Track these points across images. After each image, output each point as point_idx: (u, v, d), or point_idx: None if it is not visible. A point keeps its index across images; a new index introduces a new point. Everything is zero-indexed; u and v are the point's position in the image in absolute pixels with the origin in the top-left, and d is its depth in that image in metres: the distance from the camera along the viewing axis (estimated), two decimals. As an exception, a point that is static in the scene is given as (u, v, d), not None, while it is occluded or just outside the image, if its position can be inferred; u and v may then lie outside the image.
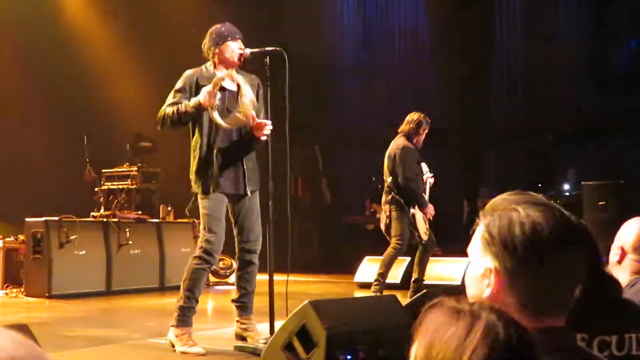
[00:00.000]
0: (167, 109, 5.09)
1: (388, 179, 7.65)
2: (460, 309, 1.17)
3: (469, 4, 13.37)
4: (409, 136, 7.69)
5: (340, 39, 15.67)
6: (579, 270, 1.41)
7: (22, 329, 3.43)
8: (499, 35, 14.42)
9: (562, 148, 13.51)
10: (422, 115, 7.78)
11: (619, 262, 2.79)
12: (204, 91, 4.96)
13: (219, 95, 5.00)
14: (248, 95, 5.00)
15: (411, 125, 7.69)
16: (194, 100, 5.00)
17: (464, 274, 8.81)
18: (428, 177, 7.80)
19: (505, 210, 1.40)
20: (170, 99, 5.16)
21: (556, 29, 13.99)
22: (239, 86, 5.06)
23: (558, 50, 13.81)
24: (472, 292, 1.45)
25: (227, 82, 5.12)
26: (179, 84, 5.19)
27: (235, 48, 5.16)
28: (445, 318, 1.17)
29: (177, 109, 5.04)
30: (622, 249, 2.80)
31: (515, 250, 1.37)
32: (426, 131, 7.78)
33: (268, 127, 5.06)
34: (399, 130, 7.78)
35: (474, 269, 1.45)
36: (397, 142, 7.69)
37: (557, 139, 13.20)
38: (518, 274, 1.37)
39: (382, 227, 7.68)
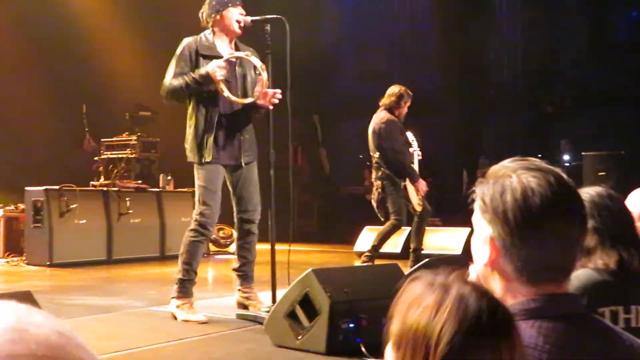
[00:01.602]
0: (172, 81, 5.02)
1: (375, 155, 7.59)
2: (434, 282, 1.15)
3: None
4: (390, 109, 7.60)
5: (339, 7, 15.57)
6: (575, 236, 1.40)
7: (26, 295, 3.44)
8: (499, 5, 14.34)
9: (562, 118, 13.49)
10: (403, 88, 7.67)
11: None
12: (214, 64, 4.89)
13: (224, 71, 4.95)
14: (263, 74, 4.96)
15: (392, 99, 7.60)
16: (202, 72, 4.94)
17: (464, 244, 8.89)
18: (415, 151, 7.74)
19: (501, 177, 1.40)
20: (172, 69, 5.08)
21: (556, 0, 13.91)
22: (240, 60, 5.05)
23: (558, 20, 13.75)
24: (476, 259, 1.46)
25: (222, 49, 5.09)
26: (179, 53, 5.11)
27: (236, 14, 5.10)
28: (419, 292, 1.14)
29: (185, 82, 4.97)
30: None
31: (506, 217, 1.36)
32: (408, 104, 7.66)
33: (277, 96, 5.03)
34: (380, 104, 7.70)
35: (476, 236, 1.45)
36: (380, 116, 7.58)
37: (556, 110, 13.18)
38: (512, 241, 1.36)
39: (374, 203, 7.65)
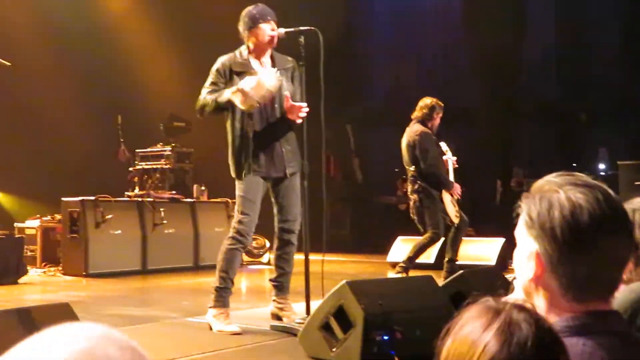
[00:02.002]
0: (206, 97, 5.11)
1: (410, 168, 7.60)
2: (489, 306, 1.17)
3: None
4: (422, 122, 7.63)
5: (371, 17, 15.58)
6: (623, 253, 1.39)
7: (64, 308, 3.49)
8: (532, 13, 14.24)
9: (596, 127, 13.35)
10: (434, 100, 7.70)
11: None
12: (242, 83, 4.91)
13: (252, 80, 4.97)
14: (263, 77, 4.93)
15: (424, 111, 7.63)
16: (232, 90, 4.96)
17: (498, 254, 8.83)
18: (449, 159, 7.75)
19: (547, 193, 1.39)
20: (207, 86, 5.17)
21: (589, 7, 13.78)
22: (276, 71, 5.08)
23: (591, 28, 13.63)
24: (519, 274, 1.45)
25: (256, 66, 5.13)
26: (214, 70, 5.20)
27: (267, 30, 5.14)
28: (474, 314, 1.17)
29: (216, 98, 5.04)
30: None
31: (554, 234, 1.36)
32: (440, 115, 7.69)
33: (304, 110, 5.05)
34: (412, 117, 7.72)
35: (520, 252, 1.44)
36: (413, 129, 7.62)
37: (591, 118, 13.05)
38: (559, 258, 1.36)
39: (413, 216, 7.66)
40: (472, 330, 1.14)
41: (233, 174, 5.22)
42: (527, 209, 1.41)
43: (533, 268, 1.40)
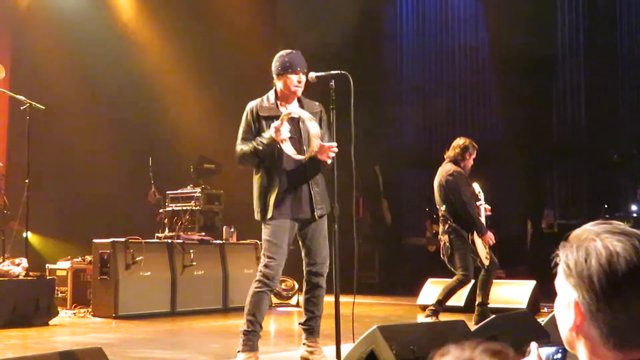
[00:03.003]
0: (243, 147, 5.18)
1: (442, 208, 7.56)
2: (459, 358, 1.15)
3: (530, 22, 13.23)
4: (455, 162, 7.60)
5: (400, 57, 15.66)
6: None
7: (97, 352, 3.49)
8: (562, 53, 14.23)
9: (628, 168, 13.23)
10: (468, 140, 7.68)
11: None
12: (273, 127, 5.00)
13: (287, 126, 5.04)
14: (313, 131, 5.01)
15: (457, 151, 7.61)
16: (265, 136, 5.06)
17: (529, 297, 8.71)
18: (483, 205, 7.71)
19: (585, 241, 1.40)
20: (240, 136, 5.25)
21: (619, 46, 13.76)
22: (301, 118, 5.13)
23: (621, 67, 13.59)
24: (560, 323, 1.46)
25: (285, 109, 5.19)
26: (243, 118, 5.28)
27: (294, 81, 5.20)
28: None
29: (253, 148, 5.11)
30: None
31: (592, 282, 1.36)
32: (473, 156, 7.66)
33: (333, 150, 5.07)
34: (445, 156, 7.70)
35: (560, 301, 1.45)
36: (446, 168, 7.58)
37: (623, 159, 12.93)
38: (597, 306, 1.36)
39: (443, 257, 7.60)
40: None
41: (258, 217, 5.24)
42: (565, 257, 1.42)
43: (573, 317, 1.40)
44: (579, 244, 1.40)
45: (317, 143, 5.01)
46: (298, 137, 5.16)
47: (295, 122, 5.17)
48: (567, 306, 1.41)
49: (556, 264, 1.45)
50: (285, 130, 5.02)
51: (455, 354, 1.16)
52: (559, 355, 1.65)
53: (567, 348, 1.46)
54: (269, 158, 5.13)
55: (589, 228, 1.43)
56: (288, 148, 5.03)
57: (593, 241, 1.38)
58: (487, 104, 14.73)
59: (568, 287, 1.41)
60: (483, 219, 7.64)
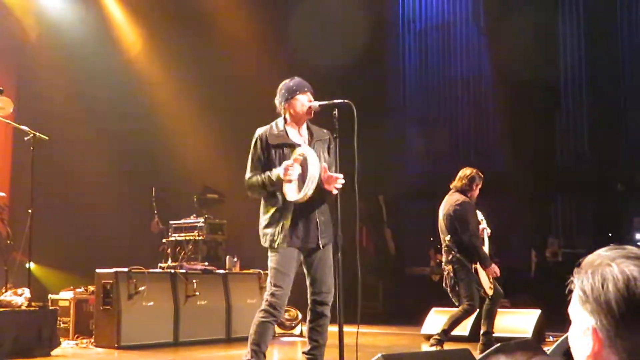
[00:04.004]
0: (253, 178, 5.18)
1: (447, 238, 7.54)
2: None
3: (532, 52, 13.29)
4: (462, 192, 7.59)
5: (403, 88, 15.74)
6: None
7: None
8: (564, 83, 14.29)
9: (633, 196, 13.21)
10: (474, 171, 7.67)
11: None
12: (283, 166, 5.00)
13: (298, 168, 5.04)
14: (315, 167, 5.01)
15: (464, 182, 7.59)
16: (275, 173, 5.05)
17: (534, 326, 8.64)
18: (484, 228, 7.69)
19: (599, 267, 1.39)
20: (249, 164, 5.25)
21: (622, 76, 13.81)
22: (313, 144, 5.13)
23: (625, 96, 13.63)
24: (575, 351, 1.44)
25: (294, 136, 5.19)
26: (252, 147, 5.27)
27: (304, 101, 5.22)
28: None
29: (263, 181, 5.11)
30: None
31: (610, 308, 1.35)
32: (479, 186, 7.65)
33: (340, 181, 5.07)
34: (451, 187, 7.69)
35: (575, 328, 1.42)
36: (454, 198, 7.56)
37: (627, 187, 12.92)
38: (616, 332, 1.35)
39: (447, 287, 7.56)
40: None
41: (266, 244, 5.21)
42: (580, 283, 1.41)
43: (590, 344, 1.38)
44: (594, 270, 1.39)
45: (321, 169, 5.01)
46: (304, 176, 5.14)
47: (304, 161, 5.16)
48: (583, 333, 1.39)
49: (570, 291, 1.43)
50: (295, 172, 5.02)
51: None
52: None
53: None
54: (279, 190, 5.13)
55: (603, 253, 1.42)
56: (289, 188, 5.02)
57: (609, 266, 1.37)
58: (490, 133, 14.77)
59: (584, 313, 1.39)
60: (486, 244, 7.62)
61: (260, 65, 12.32)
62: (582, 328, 1.40)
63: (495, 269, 7.46)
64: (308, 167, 5.03)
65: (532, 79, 13.11)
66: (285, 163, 5.02)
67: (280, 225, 5.12)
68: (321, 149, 5.26)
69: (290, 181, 5.00)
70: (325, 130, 5.35)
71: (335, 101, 5.16)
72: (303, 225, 5.17)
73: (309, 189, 4.97)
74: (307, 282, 5.29)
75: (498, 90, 14.40)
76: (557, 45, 14.17)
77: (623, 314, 1.34)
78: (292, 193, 5.02)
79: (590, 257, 1.43)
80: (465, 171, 7.67)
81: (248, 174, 5.23)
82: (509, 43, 13.21)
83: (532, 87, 13.12)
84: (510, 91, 13.58)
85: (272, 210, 5.16)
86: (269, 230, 5.16)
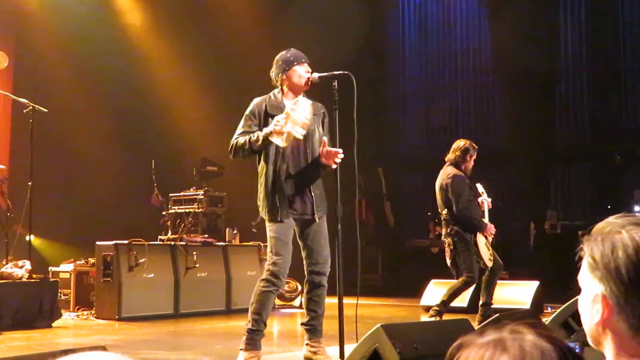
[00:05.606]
0: (239, 139, 5.14)
1: (443, 211, 7.55)
2: (486, 342, 1.08)
3: (533, 24, 13.23)
4: (456, 164, 7.56)
5: (403, 61, 15.68)
6: None
7: (100, 350, 3.49)
8: (564, 55, 14.23)
9: (632, 169, 13.21)
10: (468, 142, 7.64)
11: None
12: (276, 119, 4.98)
13: (290, 124, 5.00)
14: (300, 111, 4.95)
15: (457, 153, 7.56)
16: (265, 131, 5.03)
17: (533, 298, 8.68)
18: (485, 200, 7.69)
19: (609, 234, 1.38)
20: (240, 127, 5.21)
21: (622, 49, 13.76)
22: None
23: (624, 69, 13.59)
24: (585, 319, 1.44)
25: (289, 106, 5.16)
26: (248, 112, 5.24)
27: (302, 72, 5.20)
28: (474, 352, 1.09)
29: (249, 139, 5.07)
30: None
31: (620, 274, 1.35)
32: (473, 157, 7.61)
33: (340, 156, 5.07)
34: (445, 159, 7.67)
35: (584, 296, 1.43)
36: (446, 172, 7.55)
37: (625, 160, 12.92)
38: (626, 298, 1.35)
39: (448, 260, 7.59)
40: None
41: (265, 216, 5.23)
42: (590, 251, 1.40)
43: (600, 311, 1.38)
44: (604, 237, 1.39)
45: (299, 122, 4.93)
46: (301, 140, 5.09)
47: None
48: (592, 300, 1.39)
49: (580, 258, 1.43)
50: (287, 126, 4.93)
51: (478, 342, 1.10)
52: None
53: (590, 344, 1.44)
54: (273, 158, 5.10)
55: (613, 221, 1.41)
56: (278, 140, 4.95)
57: (618, 233, 1.37)
58: (490, 106, 14.75)
59: (594, 280, 1.39)
60: (486, 215, 7.63)
61: (261, 39, 12.25)
62: (592, 295, 1.40)
63: (491, 228, 7.49)
64: (297, 110, 4.97)
65: (532, 50, 13.06)
66: (276, 118, 4.98)
67: (278, 197, 5.13)
68: (316, 123, 5.24)
69: (281, 133, 4.94)
70: (319, 104, 5.32)
71: (335, 72, 5.14)
72: (299, 197, 5.20)
73: (296, 132, 4.91)
74: (303, 255, 5.31)
75: (498, 64, 14.35)
76: (558, 17, 14.10)
77: (632, 280, 1.33)
78: (280, 142, 4.97)
79: (600, 225, 1.43)
80: (459, 143, 7.65)
81: (235, 136, 5.18)
82: (509, 15, 13.15)
83: (532, 60, 13.07)
84: (510, 64, 13.53)
85: (270, 182, 5.16)
86: (268, 202, 5.17)
